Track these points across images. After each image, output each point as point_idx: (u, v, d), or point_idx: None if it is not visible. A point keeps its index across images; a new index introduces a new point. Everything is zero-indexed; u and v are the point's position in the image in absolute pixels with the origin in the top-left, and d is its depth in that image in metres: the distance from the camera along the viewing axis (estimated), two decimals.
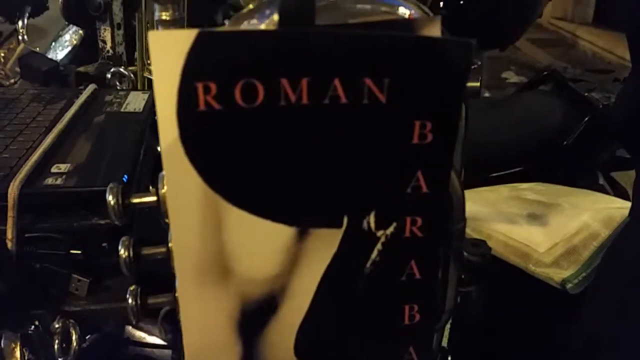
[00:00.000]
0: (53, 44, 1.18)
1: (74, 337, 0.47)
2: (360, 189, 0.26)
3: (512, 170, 1.14)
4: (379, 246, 0.29)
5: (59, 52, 1.16)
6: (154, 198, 0.31)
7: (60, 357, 0.47)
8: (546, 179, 1.05)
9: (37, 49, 1.00)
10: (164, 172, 0.26)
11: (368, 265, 0.29)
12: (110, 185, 0.33)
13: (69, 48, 1.17)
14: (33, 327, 0.63)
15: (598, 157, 1.21)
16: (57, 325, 0.47)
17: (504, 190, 1.00)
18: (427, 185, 0.27)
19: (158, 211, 0.32)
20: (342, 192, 0.26)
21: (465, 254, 0.47)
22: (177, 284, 0.27)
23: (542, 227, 0.86)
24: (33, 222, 0.48)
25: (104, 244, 0.49)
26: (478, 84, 0.35)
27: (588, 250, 0.81)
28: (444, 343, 0.41)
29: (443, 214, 0.28)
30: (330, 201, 0.26)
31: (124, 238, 0.32)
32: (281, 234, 0.26)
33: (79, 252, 0.47)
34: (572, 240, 0.82)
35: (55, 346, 0.47)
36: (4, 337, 0.65)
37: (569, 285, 0.76)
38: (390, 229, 0.28)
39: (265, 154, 0.25)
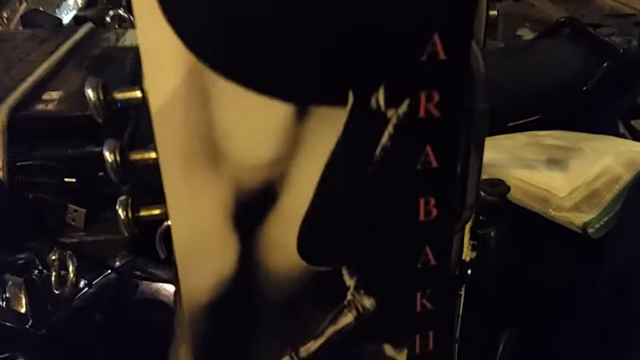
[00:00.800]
0: (57, 9, 1.15)
1: (71, 269, 0.45)
2: (367, 57, 0.23)
3: (530, 119, 1.10)
4: (389, 129, 0.26)
5: (64, 17, 1.13)
6: (138, 94, 0.28)
7: (57, 289, 0.45)
8: (564, 127, 1.01)
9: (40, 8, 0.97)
10: (138, 41, 0.23)
11: (377, 151, 0.26)
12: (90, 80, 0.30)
13: (74, 12, 1.13)
14: (36, 271, 0.62)
15: (618, 104, 1.16)
16: (53, 257, 0.45)
17: (521, 137, 0.97)
18: (445, 50, 0.23)
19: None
20: (346, 60, 0.23)
21: (483, 194, 0.44)
22: (161, 168, 0.24)
23: (562, 171, 0.83)
24: (25, 150, 0.45)
25: (100, 173, 0.46)
26: (496, 12, 0.32)
27: (610, 193, 0.78)
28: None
29: (463, 88, 0.24)
30: (332, 72, 0.23)
31: (110, 141, 0.29)
32: (277, 112, 0.23)
33: (74, 180, 0.45)
34: (593, 183, 0.79)
35: (53, 278, 0.45)
36: (8, 284, 0.64)
37: (590, 230, 0.73)
38: (403, 108, 0.25)
39: (255, 11, 0.21)
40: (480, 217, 0.42)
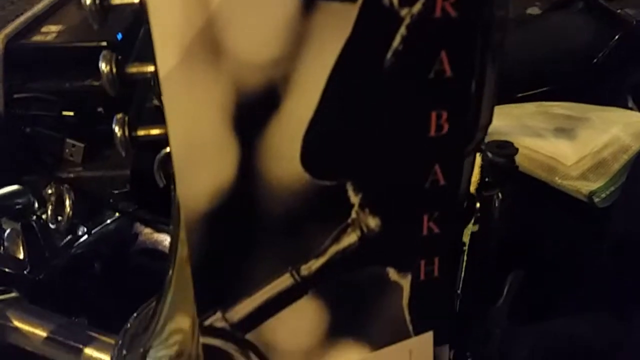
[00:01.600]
0: None
1: (67, 203, 0.44)
2: None
3: (538, 91, 1.08)
4: (402, 30, 0.24)
5: None
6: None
7: (52, 223, 0.45)
8: (573, 99, 0.99)
9: None
10: None
11: (388, 56, 0.24)
12: None
13: None
14: (34, 217, 0.62)
15: (629, 78, 1.14)
16: (50, 191, 0.44)
17: (530, 106, 0.95)
18: None
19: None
20: None
21: (490, 155, 0.42)
22: (158, 64, 0.23)
23: (569, 140, 0.81)
24: (22, 82, 0.44)
25: (99, 109, 0.45)
26: None
27: (618, 163, 0.77)
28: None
29: None
30: None
31: (105, 53, 0.28)
32: (283, 3, 0.22)
33: (72, 114, 0.44)
34: (601, 153, 0.78)
35: (49, 212, 0.44)
36: (7, 230, 0.64)
37: (597, 200, 0.72)
38: (417, 6, 0.23)
39: None
40: (487, 179, 0.41)
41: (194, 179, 0.24)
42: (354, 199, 0.26)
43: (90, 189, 0.47)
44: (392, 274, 0.29)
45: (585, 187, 0.72)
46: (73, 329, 0.42)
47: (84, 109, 0.44)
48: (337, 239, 0.27)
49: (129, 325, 0.36)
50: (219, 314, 0.26)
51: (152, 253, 0.76)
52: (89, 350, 0.39)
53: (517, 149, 0.43)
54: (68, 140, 0.44)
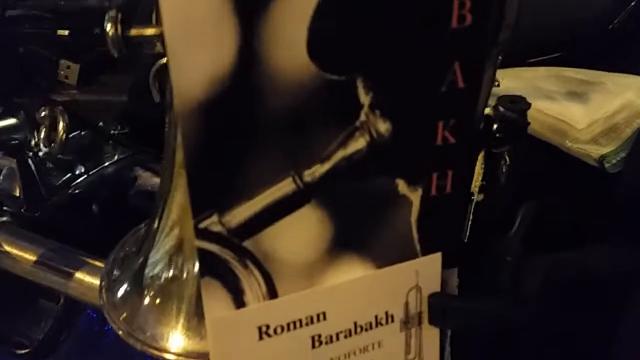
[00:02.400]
0: None
1: (61, 126, 0.42)
2: None
3: (551, 56, 1.06)
4: None
5: None
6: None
7: (45, 146, 0.43)
8: (586, 66, 0.97)
9: None
10: None
11: None
12: None
13: None
14: (31, 153, 0.60)
15: None
16: (43, 114, 0.42)
17: (542, 69, 0.93)
18: None
19: None
20: None
21: (502, 109, 0.40)
22: None
23: (581, 104, 0.79)
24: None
25: (96, 30, 0.43)
26: None
27: (630, 128, 0.75)
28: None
29: None
30: None
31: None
32: None
33: (67, 33, 0.41)
34: (614, 117, 0.76)
35: (42, 134, 0.42)
36: (4, 168, 0.62)
37: (607, 165, 0.70)
38: None
39: None
40: (497, 135, 0.39)
41: (188, 62, 0.22)
42: (364, 98, 0.24)
43: (86, 114, 0.45)
44: (402, 186, 0.27)
45: (596, 151, 0.70)
46: (64, 253, 0.40)
47: (80, 28, 0.42)
48: (343, 144, 0.25)
49: (119, 246, 0.34)
50: (215, 217, 0.24)
51: (151, 196, 0.74)
52: (80, 275, 0.38)
53: (529, 104, 0.41)
54: (63, 60, 0.42)
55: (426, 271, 0.29)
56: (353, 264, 0.27)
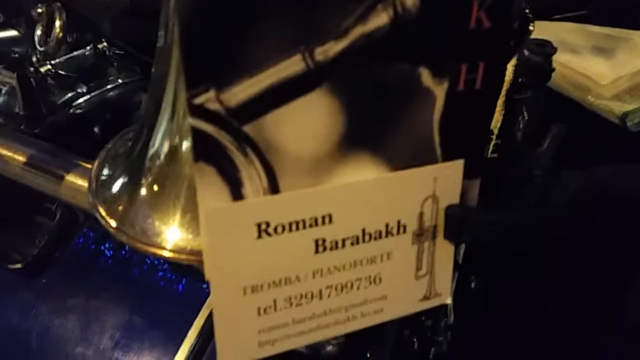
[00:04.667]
0: None
1: (57, 24, 0.39)
2: None
3: (576, 13, 1.01)
4: None
5: None
6: None
7: (41, 46, 0.40)
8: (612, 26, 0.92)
9: None
10: None
11: None
12: None
13: None
14: (32, 69, 0.57)
15: None
16: (39, 10, 0.39)
17: (568, 24, 0.89)
18: None
19: None
20: None
21: (527, 53, 0.37)
22: None
23: (607, 59, 0.75)
24: None
25: None
26: None
27: None
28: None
29: None
30: None
31: None
32: None
33: None
34: (639, 75, 0.72)
35: (38, 32, 0.39)
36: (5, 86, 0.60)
37: (629, 123, 0.67)
38: None
39: None
40: (520, 79, 0.36)
41: None
42: None
43: (85, 13, 0.42)
44: (426, 77, 0.24)
45: (619, 108, 0.68)
46: (55, 154, 0.38)
47: None
48: (363, 18, 0.22)
49: (110, 144, 0.32)
50: (212, 93, 0.21)
51: None
52: (70, 177, 0.35)
53: (556, 49, 0.38)
54: None
55: (445, 179, 0.26)
56: (365, 164, 0.25)
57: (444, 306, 0.43)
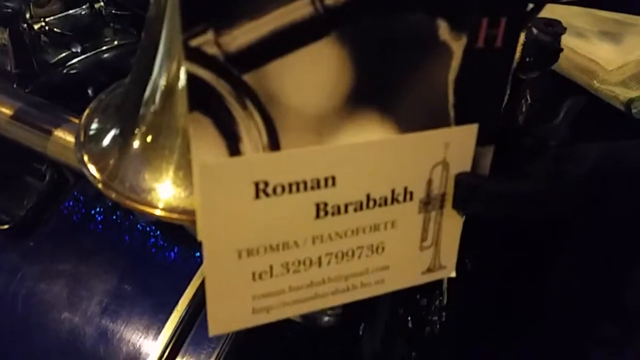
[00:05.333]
0: None
1: None
2: None
3: None
4: None
5: None
6: None
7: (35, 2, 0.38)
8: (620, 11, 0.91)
9: None
10: None
11: None
12: None
13: None
14: (26, 25, 0.56)
15: None
16: None
17: (576, 8, 0.87)
18: None
19: None
20: None
21: (535, 32, 0.36)
22: None
23: (614, 44, 0.74)
24: None
25: None
26: None
27: None
28: None
29: None
30: None
31: None
32: None
33: None
34: None
35: None
36: None
37: (634, 110, 0.66)
38: None
39: None
40: (527, 59, 0.34)
41: None
42: None
43: None
44: (443, 30, 0.22)
45: (624, 94, 0.67)
46: (43, 108, 0.36)
47: None
48: None
49: (101, 96, 0.30)
50: (210, 35, 0.19)
51: None
52: (59, 132, 0.33)
53: (565, 28, 0.37)
54: None
55: (457, 145, 0.24)
56: (373, 124, 0.23)
57: (439, 286, 0.42)
